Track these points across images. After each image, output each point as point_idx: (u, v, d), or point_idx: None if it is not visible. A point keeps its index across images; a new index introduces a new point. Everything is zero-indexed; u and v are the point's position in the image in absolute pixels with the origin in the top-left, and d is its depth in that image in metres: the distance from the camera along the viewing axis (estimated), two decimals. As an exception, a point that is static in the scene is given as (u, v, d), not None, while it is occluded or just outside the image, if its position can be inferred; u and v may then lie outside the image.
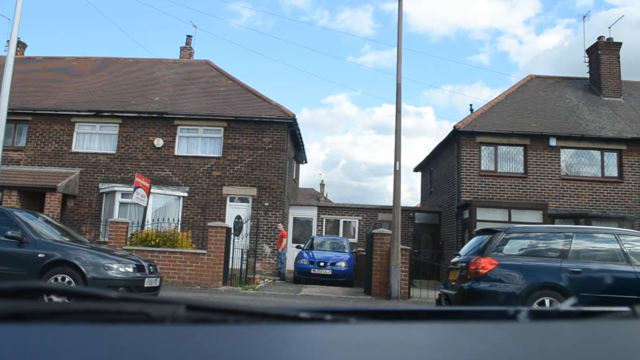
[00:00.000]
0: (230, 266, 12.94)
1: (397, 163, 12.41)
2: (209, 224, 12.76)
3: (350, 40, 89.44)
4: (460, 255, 8.34)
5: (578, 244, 7.46)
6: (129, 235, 12.89)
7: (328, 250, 16.00)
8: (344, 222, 20.28)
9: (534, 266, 7.21)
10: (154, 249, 12.06)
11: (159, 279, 8.79)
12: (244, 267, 13.23)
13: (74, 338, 0.63)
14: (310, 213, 20.33)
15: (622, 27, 42.72)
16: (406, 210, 19.97)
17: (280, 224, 16.44)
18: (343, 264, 14.96)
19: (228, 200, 17.24)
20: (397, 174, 12.39)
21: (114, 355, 0.58)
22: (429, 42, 78.50)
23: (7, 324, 0.65)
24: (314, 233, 19.59)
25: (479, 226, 13.80)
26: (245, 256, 13.34)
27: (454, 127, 17.50)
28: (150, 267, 8.69)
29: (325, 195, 42.27)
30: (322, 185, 44.55)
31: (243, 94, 18.96)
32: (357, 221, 20.21)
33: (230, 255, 13.17)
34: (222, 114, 17.50)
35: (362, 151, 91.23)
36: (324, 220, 20.27)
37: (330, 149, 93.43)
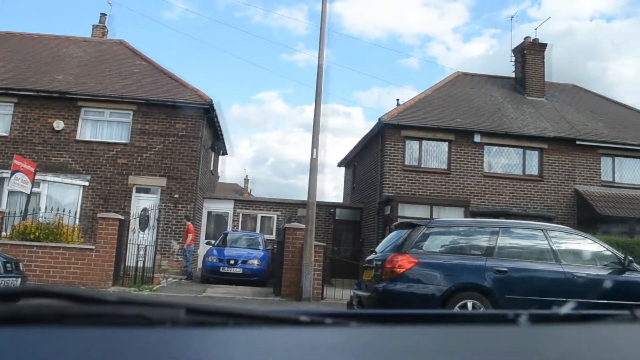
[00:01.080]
0: (126, 264, 11.62)
1: (315, 151, 11.52)
2: (99, 215, 11.36)
3: (284, 38, 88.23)
4: (376, 252, 7.54)
5: (504, 241, 6.80)
6: (9, 227, 11.27)
7: (241, 247, 14.97)
8: (262, 217, 19.23)
9: (456, 265, 6.49)
10: (33, 243, 10.55)
11: (19, 279, 7.45)
12: (145, 264, 11.96)
13: (72, 342, 0.63)
14: (227, 207, 19.15)
15: (552, 40, 44.53)
16: (327, 206, 19.19)
17: (186, 218, 15.18)
18: (256, 262, 13.98)
19: (134, 190, 15.76)
20: (314, 162, 11.51)
21: (113, 359, 0.58)
22: (361, 44, 78.73)
23: (6, 327, 0.65)
24: (229, 228, 18.46)
25: (400, 223, 13.19)
26: (145, 252, 12.04)
27: (379, 119, 16.88)
28: (9, 265, 7.33)
29: (249, 191, 41.00)
30: (246, 180, 43.28)
31: (157, 75, 17.49)
32: (275, 217, 19.21)
33: (129, 252, 11.86)
34: (131, 95, 15.99)
35: (292, 149, 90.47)
36: (241, 215, 19.15)
37: (259, 145, 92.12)
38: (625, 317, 1.08)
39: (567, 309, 1.09)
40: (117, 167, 15.74)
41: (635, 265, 6.78)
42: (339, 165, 24.22)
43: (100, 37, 20.68)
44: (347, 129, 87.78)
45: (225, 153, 22.33)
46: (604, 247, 7.01)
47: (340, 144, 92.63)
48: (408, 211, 15.55)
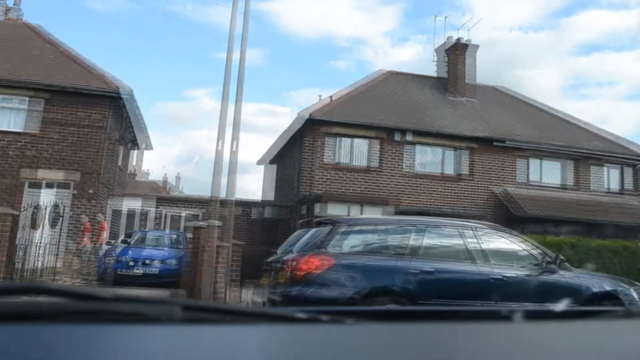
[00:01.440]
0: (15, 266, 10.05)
1: (235, 143, 10.42)
2: (-33, 208, 9.73)
3: (218, 35, 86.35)
4: (277, 253, 6.79)
5: (431, 240, 6.15)
6: None
7: (159, 246, 13.66)
8: (185, 216, 17.89)
9: (377, 266, 5.77)
10: None
11: None
12: (36, 265, 10.46)
13: (69, 338, 0.63)
14: (145, 205, 17.68)
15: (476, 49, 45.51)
16: (246, 204, 18.09)
17: (84, 215, 13.64)
18: (173, 262, 12.73)
19: (27, 185, 14.03)
20: (233, 155, 10.40)
21: (110, 356, 0.58)
22: (296, 44, 78.27)
23: (2, 323, 0.65)
24: (150, 227, 17.07)
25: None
26: (41, 252, 10.52)
27: (298, 113, 16.07)
28: None
29: (180, 189, 39.20)
30: (177, 178, 41.43)
31: (61, 60, 15.78)
32: (200, 215, 17.91)
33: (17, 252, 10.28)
34: (26, 80, 14.26)
35: (225, 148, 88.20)
36: (162, 213, 17.72)
37: (188, 144, 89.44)
38: (619, 314, 1.10)
39: (562, 305, 1.08)
40: (8, 159, 13.94)
41: (567, 265, 6.35)
42: (259, 163, 23.03)
43: (14, 20, 18.63)
44: (278, 128, 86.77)
45: (142, 148, 20.71)
46: (535, 245, 6.51)
47: (270, 144, 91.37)
48: (329, 210, 14.78)
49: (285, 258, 6.06)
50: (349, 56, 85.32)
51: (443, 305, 5.46)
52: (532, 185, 16.82)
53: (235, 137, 9.94)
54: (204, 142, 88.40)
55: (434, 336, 0.82)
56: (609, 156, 17.42)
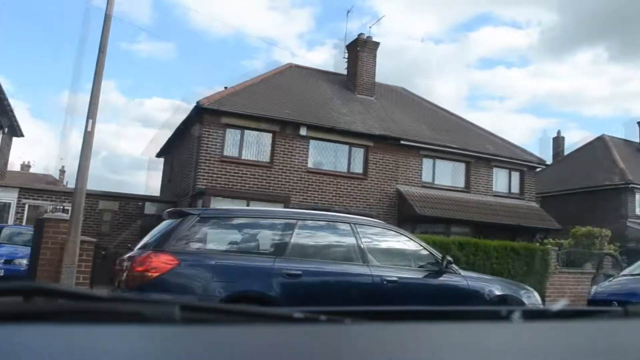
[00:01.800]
0: None
1: (91, 122, 9.12)
2: None
3: (126, 26, 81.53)
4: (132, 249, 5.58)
5: (301, 236, 5.31)
6: None
7: (19, 243, 11.97)
8: (51, 209, 15.96)
9: (233, 267, 4.84)
10: None
11: None
12: None
13: (68, 339, 0.63)
14: (7, 196, 15.58)
15: (380, 55, 46.70)
16: (135, 199, 16.60)
17: None
18: (21, 261, 11.08)
19: None
20: (88, 136, 9.10)
21: (109, 356, 0.58)
22: (206, 40, 75.63)
23: (2, 324, 0.65)
24: (10, 221, 15.04)
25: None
26: None
27: (197, 102, 14.88)
28: None
29: (65, 183, 35.99)
30: (62, 171, 38.12)
31: None
32: (61, 208, 16.07)
33: None
34: None
35: (127, 143, 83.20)
36: (27, 206, 15.70)
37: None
38: (617, 314, 1.11)
39: (559, 305, 1.08)
40: None
41: (454, 266, 5.76)
42: (158, 155, 21.47)
43: None
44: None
45: (6, 132, 18.40)
46: (422, 246, 5.89)
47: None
48: (222, 206, 13.73)
49: (125, 256, 5.03)
50: (262, 56, 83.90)
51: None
52: (426, 185, 16.81)
53: (92, 116, 8.68)
54: (106, 136, 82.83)
55: (433, 336, 0.82)
56: (500, 160, 17.88)
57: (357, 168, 16.12)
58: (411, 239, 5.97)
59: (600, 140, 26.75)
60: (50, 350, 0.58)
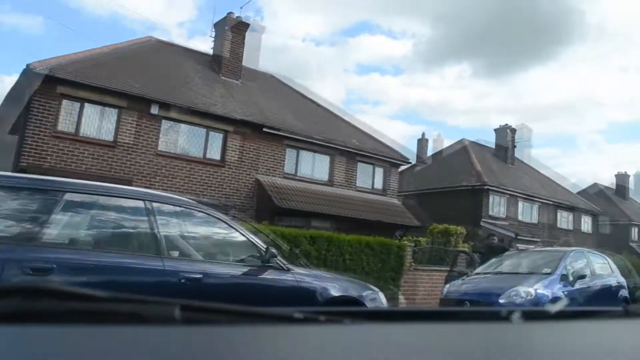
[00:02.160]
0: None
1: None
2: None
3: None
4: None
5: (67, 215, 3.97)
6: None
7: None
8: None
9: None
10: None
11: None
12: None
13: (66, 339, 0.62)
14: None
15: (267, 53, 45.74)
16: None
17: None
18: None
19: None
20: None
21: (109, 357, 0.58)
22: (80, 17, 69.04)
23: (2, 324, 0.64)
24: None
25: None
26: None
27: (27, 65, 12.68)
28: None
29: None
30: None
31: None
32: None
33: None
34: None
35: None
36: None
37: None
38: (617, 314, 1.10)
39: (559, 305, 1.07)
40: None
41: (279, 260, 4.76)
42: (11, 133, 18.31)
43: None
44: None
45: None
46: (243, 234, 4.81)
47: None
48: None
49: None
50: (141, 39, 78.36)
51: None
52: (288, 176, 16.06)
53: None
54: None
55: (432, 336, 0.82)
56: (364, 154, 17.68)
57: (214, 154, 14.88)
58: (231, 226, 4.90)
59: (460, 143, 28.10)
60: (50, 350, 0.58)
